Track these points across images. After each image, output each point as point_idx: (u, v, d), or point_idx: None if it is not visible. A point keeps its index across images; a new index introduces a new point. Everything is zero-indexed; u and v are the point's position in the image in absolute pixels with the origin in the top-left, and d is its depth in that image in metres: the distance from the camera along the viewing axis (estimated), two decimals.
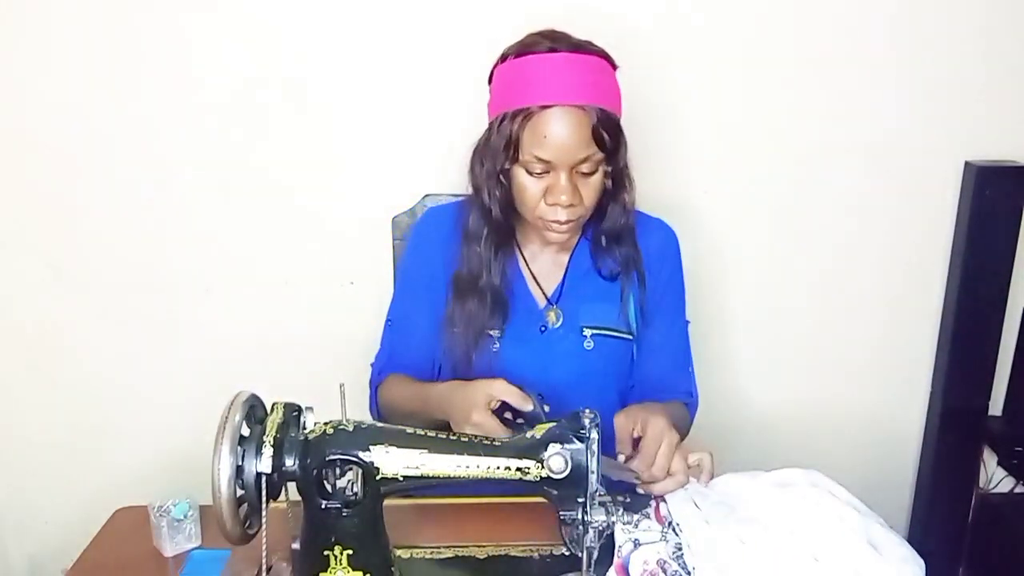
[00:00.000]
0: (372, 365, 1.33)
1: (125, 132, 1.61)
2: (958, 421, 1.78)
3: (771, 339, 1.77)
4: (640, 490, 1.07)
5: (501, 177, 1.16)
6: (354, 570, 0.90)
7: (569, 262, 1.28)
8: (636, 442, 1.07)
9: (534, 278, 1.27)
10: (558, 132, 1.09)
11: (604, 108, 1.11)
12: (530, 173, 1.13)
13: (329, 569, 0.89)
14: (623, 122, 1.16)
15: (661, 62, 1.60)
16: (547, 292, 1.28)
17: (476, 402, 1.04)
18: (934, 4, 1.60)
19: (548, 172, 1.12)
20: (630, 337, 1.28)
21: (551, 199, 1.13)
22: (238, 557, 1.03)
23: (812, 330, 1.78)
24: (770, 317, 1.77)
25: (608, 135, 1.11)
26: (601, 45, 1.17)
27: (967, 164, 1.67)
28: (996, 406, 1.80)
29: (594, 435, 0.88)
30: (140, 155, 1.62)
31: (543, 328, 1.26)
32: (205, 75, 1.59)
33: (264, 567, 0.90)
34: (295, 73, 1.59)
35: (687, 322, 1.34)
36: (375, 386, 1.31)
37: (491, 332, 1.23)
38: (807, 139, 1.66)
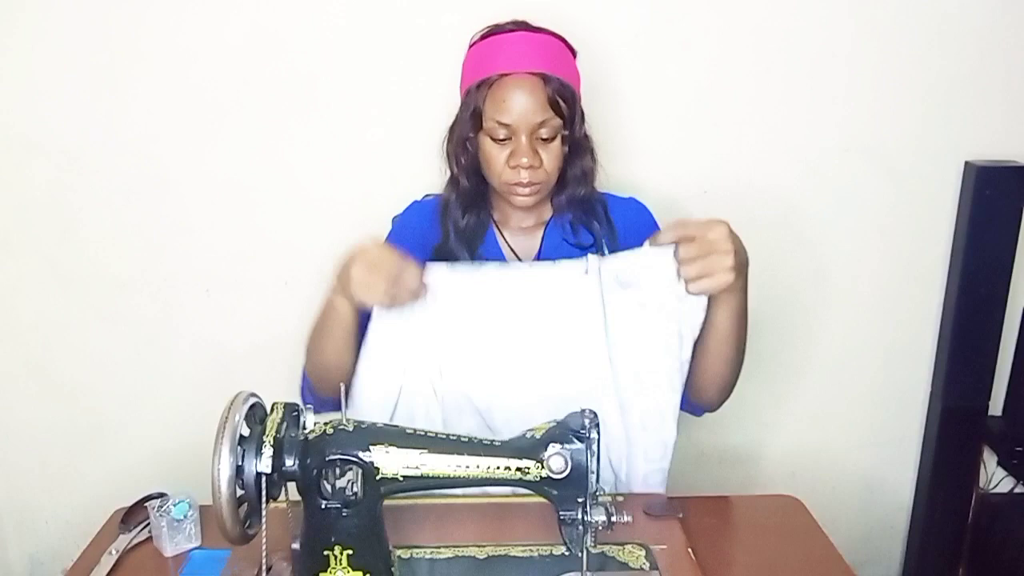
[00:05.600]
0: None
1: (125, 132, 1.61)
2: (958, 421, 1.78)
3: (769, 339, 1.77)
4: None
5: (468, 145, 1.24)
6: (354, 570, 0.90)
7: (543, 238, 1.32)
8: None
9: (515, 255, 1.31)
10: (516, 97, 1.18)
11: (559, 78, 1.19)
12: (494, 140, 1.21)
13: (329, 569, 0.90)
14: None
15: (660, 61, 1.60)
16: None
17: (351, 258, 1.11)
18: (934, 4, 1.60)
19: (510, 138, 1.20)
20: None
21: (513, 162, 1.20)
22: (238, 557, 1.03)
23: (811, 330, 1.78)
24: (768, 317, 1.76)
25: (564, 103, 1.19)
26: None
27: (967, 164, 1.67)
28: (996, 406, 1.79)
29: (594, 435, 0.88)
30: (140, 155, 1.62)
31: None
32: (205, 75, 1.59)
33: (264, 567, 0.91)
34: (295, 73, 1.59)
35: None
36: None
37: None
38: (806, 139, 1.66)
